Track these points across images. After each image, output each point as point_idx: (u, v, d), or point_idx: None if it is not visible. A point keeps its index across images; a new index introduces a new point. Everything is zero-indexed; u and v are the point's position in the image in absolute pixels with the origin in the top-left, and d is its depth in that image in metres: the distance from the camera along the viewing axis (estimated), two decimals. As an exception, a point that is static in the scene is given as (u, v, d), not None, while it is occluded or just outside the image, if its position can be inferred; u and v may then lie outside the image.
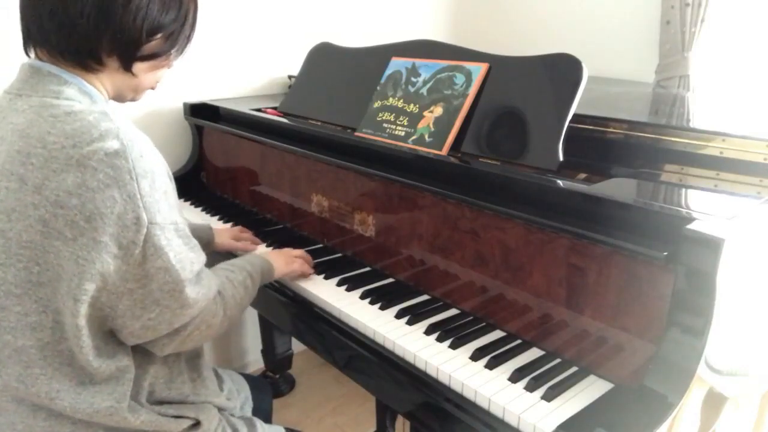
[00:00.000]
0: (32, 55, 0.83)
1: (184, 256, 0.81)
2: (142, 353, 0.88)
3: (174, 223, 0.80)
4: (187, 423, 0.91)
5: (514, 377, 0.91)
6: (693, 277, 0.77)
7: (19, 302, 0.75)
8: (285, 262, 1.19)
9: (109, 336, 0.83)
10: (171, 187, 0.82)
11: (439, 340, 1.02)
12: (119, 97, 0.90)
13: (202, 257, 0.87)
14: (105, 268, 0.74)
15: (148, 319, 0.80)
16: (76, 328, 0.76)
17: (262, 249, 1.43)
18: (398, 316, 1.10)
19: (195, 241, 0.86)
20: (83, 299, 0.75)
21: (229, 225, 1.58)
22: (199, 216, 1.66)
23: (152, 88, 0.91)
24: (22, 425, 0.82)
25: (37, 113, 0.76)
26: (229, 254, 1.35)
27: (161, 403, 0.90)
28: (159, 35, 0.83)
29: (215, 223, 1.60)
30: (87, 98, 0.81)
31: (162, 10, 0.81)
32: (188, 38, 0.88)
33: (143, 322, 0.80)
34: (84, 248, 0.73)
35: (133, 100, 0.92)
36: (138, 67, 0.84)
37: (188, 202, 1.77)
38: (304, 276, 1.25)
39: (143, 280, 0.78)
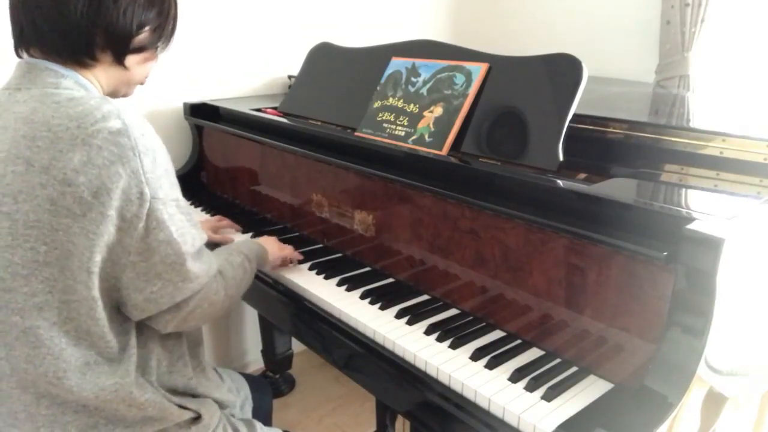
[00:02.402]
0: (24, 56, 0.86)
1: (186, 231, 0.85)
2: (145, 333, 0.90)
3: (176, 200, 0.83)
4: (188, 415, 0.92)
5: (514, 377, 0.91)
6: (693, 277, 0.77)
7: (26, 283, 0.77)
8: (278, 247, 1.26)
9: (117, 311, 0.86)
10: (171, 168, 0.85)
11: (439, 340, 1.02)
12: (113, 93, 0.93)
13: (204, 235, 0.91)
14: (110, 240, 0.77)
15: (151, 292, 0.83)
16: (92, 300, 0.79)
17: (245, 238, 1.45)
18: (398, 316, 1.10)
19: (197, 219, 0.89)
20: (95, 271, 0.78)
21: (208, 216, 1.61)
22: (199, 216, 1.66)
23: (141, 83, 0.96)
24: (24, 414, 0.82)
25: (39, 101, 0.79)
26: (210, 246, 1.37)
27: (165, 389, 0.91)
28: (146, 28, 0.88)
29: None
30: (83, 90, 0.84)
31: (146, 6, 0.87)
32: (172, 31, 0.94)
33: (146, 295, 0.83)
34: (93, 222, 0.76)
35: (125, 95, 0.96)
36: (130, 60, 0.89)
37: (188, 202, 1.76)
38: (294, 260, 1.31)
39: (146, 253, 0.81)
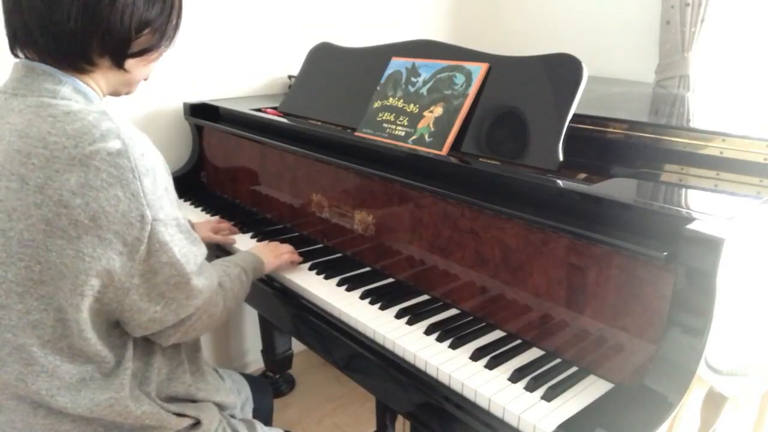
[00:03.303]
0: (21, 56, 0.82)
1: (188, 250, 0.83)
2: (143, 345, 0.89)
3: (176, 219, 0.81)
4: (187, 422, 0.92)
5: (514, 377, 0.91)
6: (693, 277, 0.77)
7: (20, 300, 0.76)
8: (275, 255, 1.24)
9: (113, 327, 0.84)
10: (171, 184, 0.83)
11: (439, 340, 1.02)
12: (114, 93, 0.90)
13: (204, 249, 0.89)
14: (111, 265, 0.75)
15: (155, 312, 0.82)
16: (83, 321, 0.78)
17: (247, 240, 1.46)
18: (398, 316, 1.10)
19: (195, 235, 0.87)
20: (88, 294, 0.76)
21: (208, 216, 1.62)
22: (199, 216, 1.66)
23: (145, 80, 0.92)
24: (21, 423, 0.82)
25: (35, 113, 0.76)
26: (210, 247, 1.38)
27: (163, 398, 0.91)
28: (147, 30, 0.83)
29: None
30: (82, 97, 0.81)
31: (148, 4, 0.81)
32: (176, 27, 0.88)
33: (150, 315, 0.82)
34: (89, 245, 0.73)
35: (127, 93, 0.92)
36: (130, 63, 0.84)
37: (188, 202, 1.77)
38: (293, 263, 1.30)
39: (148, 275, 0.79)
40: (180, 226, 0.82)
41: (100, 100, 0.85)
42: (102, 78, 0.85)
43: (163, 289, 0.81)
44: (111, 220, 0.73)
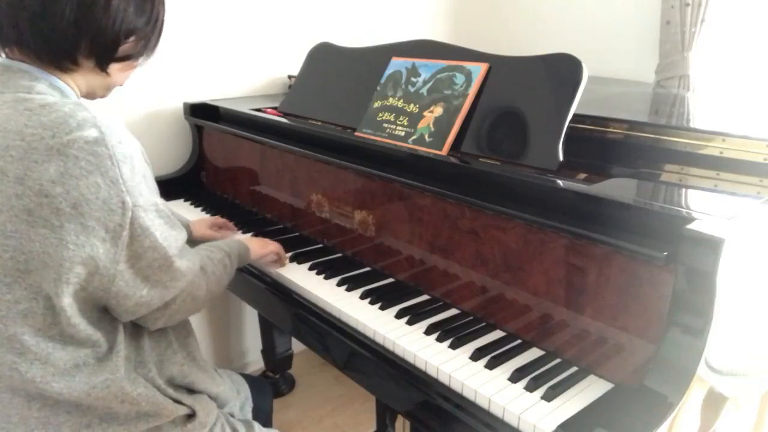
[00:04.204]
0: (2, 54, 0.84)
1: (168, 234, 0.85)
2: (131, 329, 0.90)
3: (155, 204, 0.83)
4: (183, 410, 0.93)
5: (514, 377, 0.91)
6: (693, 277, 0.77)
7: (9, 290, 0.77)
8: (260, 246, 1.26)
9: (102, 313, 0.86)
10: (149, 171, 0.84)
11: (439, 340, 1.02)
12: (90, 95, 0.92)
13: (184, 234, 0.91)
14: (95, 252, 0.76)
15: (141, 297, 0.84)
16: (69, 308, 0.79)
17: (239, 237, 1.46)
18: (398, 316, 1.10)
19: (175, 220, 0.89)
20: (73, 281, 0.77)
21: (208, 216, 1.62)
22: (199, 216, 1.66)
23: (120, 85, 0.94)
24: (17, 417, 0.83)
25: (12, 108, 0.77)
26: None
27: (164, 379, 0.92)
28: (133, 37, 0.86)
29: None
30: (58, 93, 0.83)
31: (137, 13, 0.85)
32: (157, 39, 0.92)
33: (136, 299, 0.83)
34: (73, 233, 0.75)
35: (102, 97, 0.94)
36: (113, 67, 0.87)
37: (188, 202, 1.77)
38: (279, 264, 1.31)
39: (132, 260, 0.81)
40: (159, 212, 0.84)
41: (76, 98, 0.87)
42: (82, 79, 0.87)
43: (148, 273, 0.83)
44: (92, 207, 0.75)
